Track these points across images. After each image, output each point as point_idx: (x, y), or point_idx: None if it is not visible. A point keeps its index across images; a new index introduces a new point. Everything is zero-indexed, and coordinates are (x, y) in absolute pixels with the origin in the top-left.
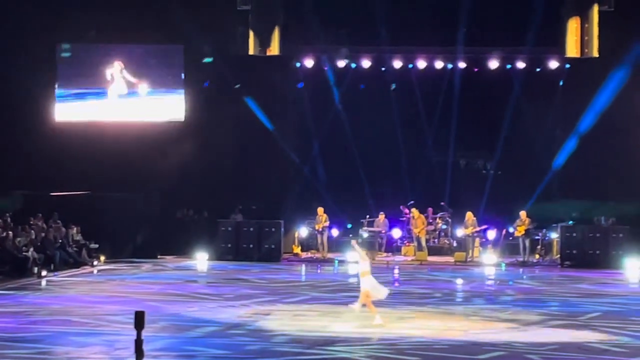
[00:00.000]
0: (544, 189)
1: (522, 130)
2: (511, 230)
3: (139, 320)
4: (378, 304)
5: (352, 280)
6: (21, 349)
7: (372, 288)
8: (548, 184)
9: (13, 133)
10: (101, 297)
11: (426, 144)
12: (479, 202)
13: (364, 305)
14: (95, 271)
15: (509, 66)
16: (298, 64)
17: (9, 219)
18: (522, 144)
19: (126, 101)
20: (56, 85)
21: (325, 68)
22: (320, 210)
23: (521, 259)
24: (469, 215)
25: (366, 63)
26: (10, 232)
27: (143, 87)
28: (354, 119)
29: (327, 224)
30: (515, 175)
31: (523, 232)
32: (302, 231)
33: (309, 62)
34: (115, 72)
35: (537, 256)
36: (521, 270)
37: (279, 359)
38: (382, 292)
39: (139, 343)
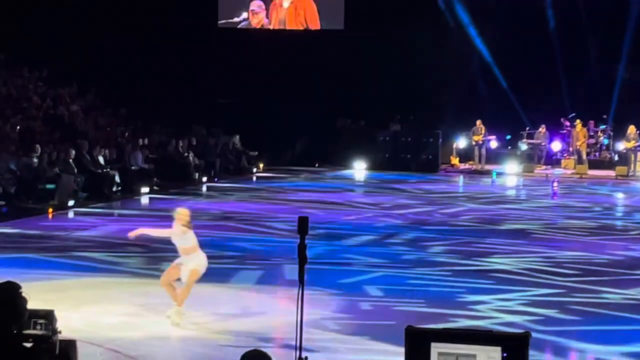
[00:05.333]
0: None
1: None
2: None
3: (302, 225)
4: None
5: (509, 192)
6: None
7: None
8: None
9: (176, 37)
10: (260, 204)
11: (590, 56)
12: None
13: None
14: (254, 178)
15: None
16: None
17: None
18: None
19: (285, 9)
20: None
21: None
22: (478, 122)
23: None
24: (632, 128)
25: None
26: (173, 139)
27: None
28: (511, 30)
29: (487, 136)
30: None
31: None
32: (461, 142)
33: None
34: None
35: None
36: None
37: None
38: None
39: (302, 248)
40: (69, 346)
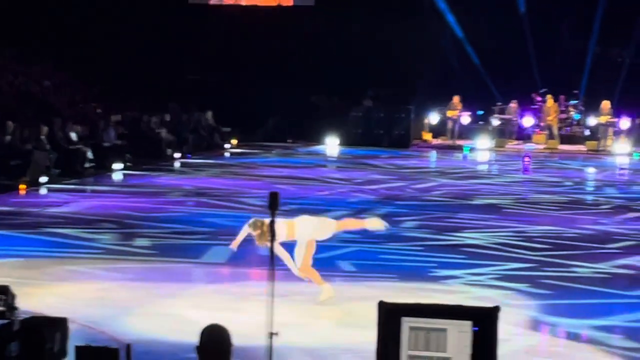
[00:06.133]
0: None
1: None
2: None
3: (273, 201)
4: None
5: (481, 167)
6: (156, 228)
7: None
8: None
9: (148, 13)
10: (233, 180)
11: (561, 30)
12: (613, 91)
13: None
14: (227, 154)
15: None
16: None
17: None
18: None
19: None
20: None
21: None
22: (456, 98)
23: None
24: (606, 103)
25: None
26: (145, 115)
27: None
28: (483, 5)
29: (462, 112)
30: None
31: None
32: (433, 117)
33: None
34: None
35: None
36: None
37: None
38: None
39: (272, 224)
40: (42, 324)
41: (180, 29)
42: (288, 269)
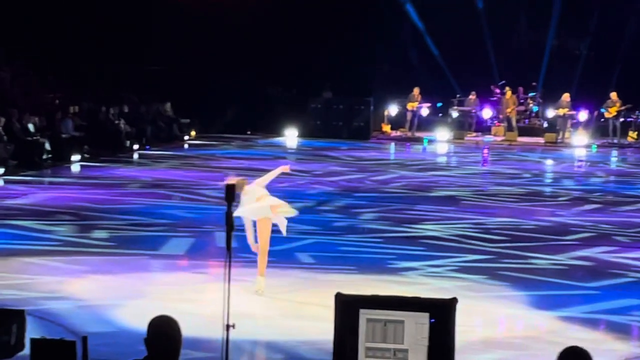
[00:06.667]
0: (636, 69)
1: (615, 10)
2: (603, 111)
3: (229, 193)
4: None
5: (440, 159)
6: (114, 220)
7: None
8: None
9: (107, 3)
10: (192, 172)
11: (519, 23)
12: (571, 84)
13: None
14: (186, 146)
15: None
16: None
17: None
18: (615, 24)
19: None
20: None
21: None
22: (416, 90)
23: (611, 141)
24: (566, 96)
25: None
26: (103, 106)
27: None
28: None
29: (421, 104)
30: (608, 55)
31: (614, 113)
32: (392, 109)
33: None
34: None
35: (629, 138)
36: (612, 152)
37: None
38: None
39: (229, 215)
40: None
41: (138, 19)
42: (246, 262)
